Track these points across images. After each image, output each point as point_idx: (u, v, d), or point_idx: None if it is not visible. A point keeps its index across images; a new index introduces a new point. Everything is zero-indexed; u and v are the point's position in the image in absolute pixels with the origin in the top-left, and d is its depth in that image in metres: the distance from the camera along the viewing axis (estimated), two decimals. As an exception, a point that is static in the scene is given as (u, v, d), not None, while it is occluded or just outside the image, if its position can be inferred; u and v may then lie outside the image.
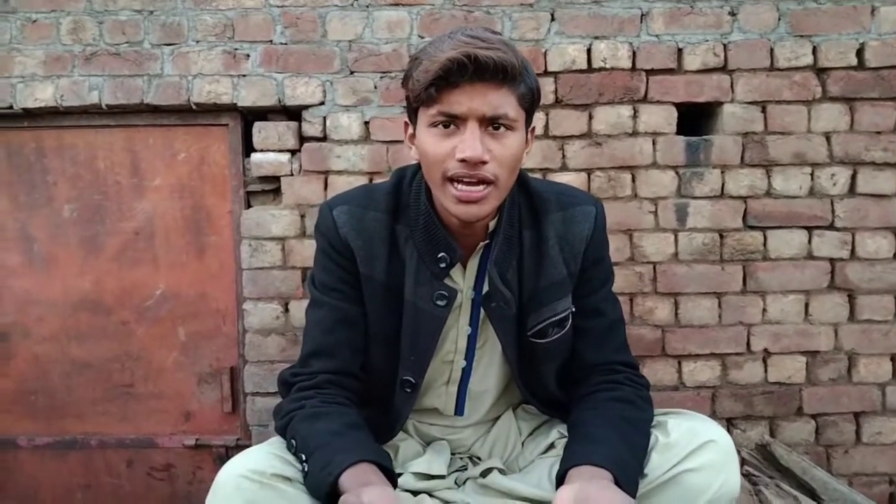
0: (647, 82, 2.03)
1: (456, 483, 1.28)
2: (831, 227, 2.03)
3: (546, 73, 2.01)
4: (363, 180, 2.04)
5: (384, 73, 2.04)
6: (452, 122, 1.07)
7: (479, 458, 1.35)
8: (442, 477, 1.25)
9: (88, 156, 2.12)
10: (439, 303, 1.21)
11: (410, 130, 1.20)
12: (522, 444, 1.36)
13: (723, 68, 2.02)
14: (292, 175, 2.06)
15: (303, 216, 2.06)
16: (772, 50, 2.01)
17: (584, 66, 2.02)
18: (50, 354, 2.15)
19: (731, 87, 2.02)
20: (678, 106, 2.04)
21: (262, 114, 2.09)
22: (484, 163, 1.06)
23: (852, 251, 2.04)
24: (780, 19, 2.01)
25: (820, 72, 2.02)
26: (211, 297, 2.14)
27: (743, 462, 1.80)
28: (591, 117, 2.03)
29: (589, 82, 2.02)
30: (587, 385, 1.25)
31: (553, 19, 2.03)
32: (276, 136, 2.06)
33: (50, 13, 2.03)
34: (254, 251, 2.06)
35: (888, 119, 2.01)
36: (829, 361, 2.05)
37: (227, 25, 2.03)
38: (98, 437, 2.15)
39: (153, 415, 2.16)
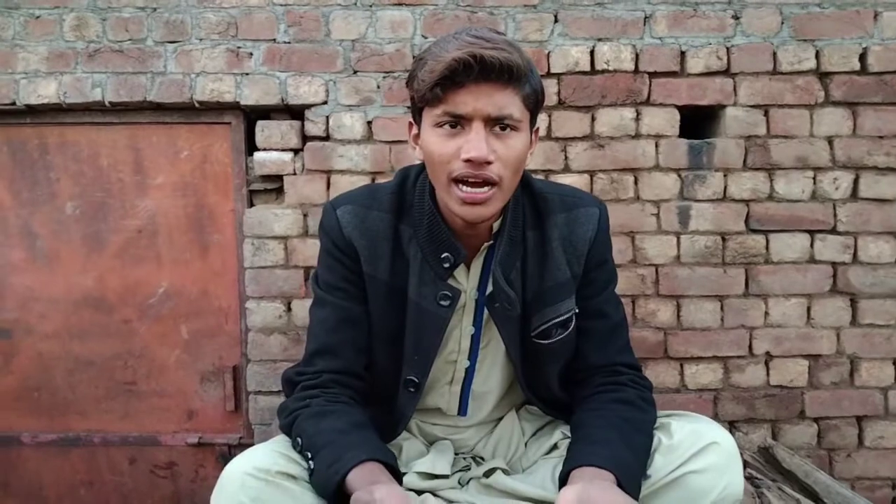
0: (650, 85, 2.03)
1: (459, 483, 1.28)
2: (833, 231, 2.04)
3: (549, 74, 2.02)
4: (366, 180, 2.04)
5: (387, 72, 2.04)
6: (458, 122, 1.07)
7: (482, 459, 1.36)
8: (445, 477, 1.25)
9: (91, 153, 2.12)
10: (443, 303, 1.21)
11: (415, 131, 1.20)
12: (525, 444, 1.36)
13: (726, 71, 2.02)
14: (295, 174, 2.06)
15: (305, 215, 2.06)
16: (775, 54, 2.01)
17: (587, 67, 2.02)
18: (53, 352, 2.15)
19: (734, 90, 2.02)
20: (681, 109, 2.04)
21: (265, 113, 2.09)
22: (489, 163, 1.06)
23: (854, 255, 2.04)
24: (783, 23, 2.01)
25: (823, 76, 2.02)
26: (213, 295, 2.14)
27: (745, 465, 1.79)
28: (593, 119, 2.03)
29: (592, 84, 2.03)
30: (590, 386, 1.25)
31: (556, 21, 2.03)
32: (279, 135, 2.06)
33: (53, 9, 2.04)
34: (256, 250, 2.06)
35: (891, 124, 2.01)
36: (831, 365, 2.05)
37: (230, 23, 2.03)
38: (101, 434, 2.15)
39: (156, 413, 2.16)
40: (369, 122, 2.04)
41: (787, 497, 1.67)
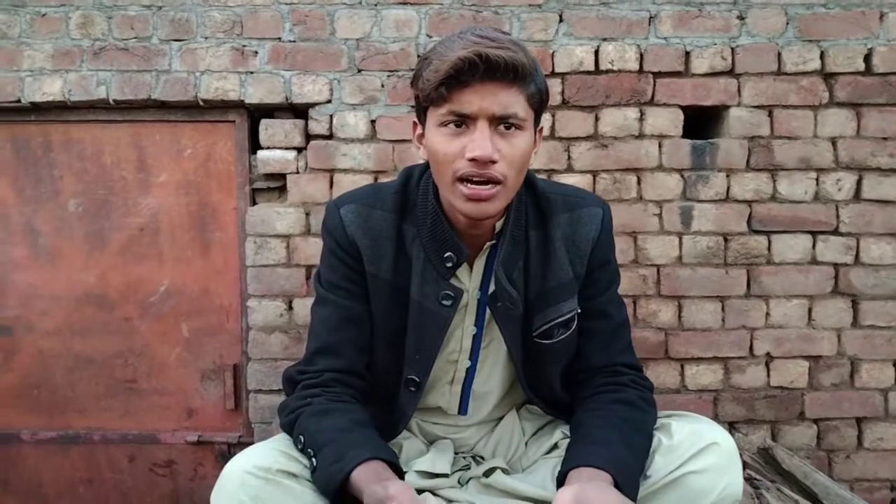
0: (654, 85, 2.03)
1: (459, 482, 1.28)
2: (836, 232, 2.03)
3: (553, 74, 2.02)
4: (369, 179, 2.04)
5: (391, 71, 2.04)
6: (462, 121, 1.07)
7: (482, 458, 1.36)
8: (445, 476, 1.25)
9: (95, 151, 2.12)
10: (445, 303, 1.21)
11: (419, 130, 1.20)
12: (526, 444, 1.36)
13: (730, 72, 2.02)
14: (298, 173, 2.07)
15: (308, 214, 2.06)
16: (779, 54, 2.01)
17: (592, 67, 2.02)
18: (53, 349, 2.15)
19: (738, 90, 2.02)
20: (685, 109, 2.04)
21: (269, 111, 2.09)
22: (494, 162, 1.06)
23: (856, 257, 2.04)
24: (788, 24, 2.01)
25: (827, 77, 2.02)
26: (215, 293, 2.14)
27: (745, 466, 1.80)
28: (597, 119, 2.03)
29: (596, 84, 2.03)
30: (591, 386, 1.25)
31: (561, 20, 2.03)
32: (283, 133, 2.06)
33: (59, 7, 2.04)
34: (258, 248, 2.06)
35: (895, 125, 2.01)
36: (831, 366, 2.05)
37: (235, 22, 2.03)
38: (101, 432, 2.16)
39: (156, 411, 2.17)
40: (373, 121, 2.05)
41: (786, 498, 1.67)
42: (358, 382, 1.24)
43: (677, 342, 2.05)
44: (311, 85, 2.04)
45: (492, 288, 1.23)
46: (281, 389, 1.99)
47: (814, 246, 2.04)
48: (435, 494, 1.21)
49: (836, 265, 2.04)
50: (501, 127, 1.07)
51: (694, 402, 2.04)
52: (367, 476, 1.01)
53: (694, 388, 2.06)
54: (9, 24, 2.04)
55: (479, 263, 1.25)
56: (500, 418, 1.40)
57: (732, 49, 2.02)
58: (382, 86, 2.04)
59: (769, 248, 2.04)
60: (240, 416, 2.16)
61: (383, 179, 2.02)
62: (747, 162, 2.03)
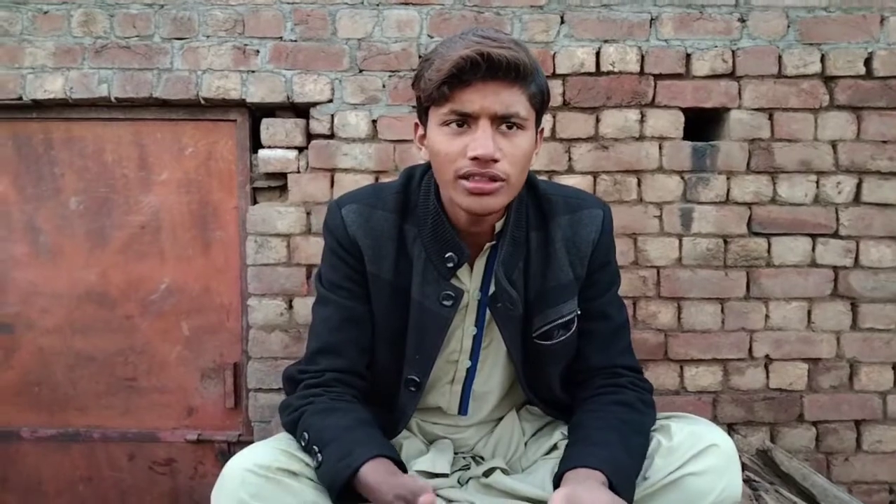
0: (655, 87, 2.03)
1: (459, 482, 1.29)
2: (835, 234, 2.04)
3: (554, 75, 2.02)
4: (370, 179, 2.05)
5: (393, 71, 2.04)
6: (464, 120, 1.07)
7: (481, 458, 1.36)
8: (445, 475, 1.25)
9: (96, 148, 2.12)
10: (445, 303, 1.21)
11: (420, 131, 1.20)
12: (525, 444, 1.37)
13: (731, 74, 2.03)
14: (299, 172, 2.07)
15: (309, 213, 2.06)
16: (780, 57, 2.02)
17: (593, 69, 2.03)
18: (54, 347, 2.15)
19: (739, 93, 2.03)
20: (685, 111, 2.04)
21: (271, 110, 2.09)
22: (495, 161, 1.06)
23: (856, 259, 2.04)
24: (789, 27, 2.02)
25: (828, 80, 2.02)
26: (215, 292, 2.15)
27: (743, 467, 1.80)
28: (598, 120, 2.04)
29: (597, 85, 2.03)
30: (590, 388, 1.26)
31: (563, 22, 2.03)
32: (284, 132, 2.07)
33: (61, 5, 2.04)
34: (259, 247, 2.06)
35: (895, 129, 2.02)
36: (830, 369, 2.06)
37: (237, 21, 2.04)
38: (100, 430, 2.16)
39: (156, 409, 2.17)
40: (374, 121, 2.05)
41: (785, 500, 1.68)
42: (359, 382, 1.25)
43: (677, 343, 2.05)
44: (312, 84, 2.04)
45: (492, 288, 1.24)
46: (281, 388, 2.00)
47: (813, 248, 2.04)
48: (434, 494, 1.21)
49: (835, 268, 2.05)
50: (503, 126, 1.08)
51: (693, 404, 2.05)
52: (379, 472, 1.01)
53: (693, 390, 2.06)
54: (10, 22, 2.04)
55: (480, 264, 1.25)
56: (500, 419, 1.40)
57: (733, 51, 2.02)
58: (384, 86, 2.04)
59: (769, 251, 2.04)
60: (240, 414, 2.16)
61: (384, 179, 2.02)
62: (747, 164, 2.03)
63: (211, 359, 2.16)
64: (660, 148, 2.04)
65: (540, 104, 1.13)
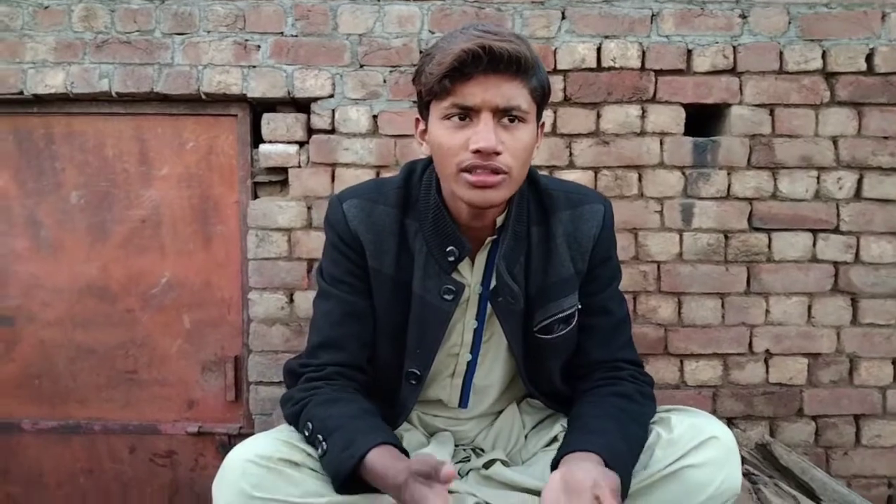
0: (656, 82, 2.03)
1: (459, 474, 1.29)
2: (836, 230, 2.04)
3: (555, 71, 2.02)
4: (370, 173, 2.05)
5: (394, 67, 2.04)
6: (466, 114, 1.07)
7: (482, 450, 1.37)
8: (445, 466, 1.26)
9: (97, 143, 2.12)
10: (447, 297, 1.21)
11: (422, 126, 1.20)
12: (525, 437, 1.37)
13: (732, 70, 2.02)
14: (300, 167, 2.07)
15: (309, 208, 2.06)
16: (781, 53, 2.02)
17: (594, 64, 2.03)
18: (55, 339, 2.16)
19: (740, 89, 2.03)
20: (686, 107, 2.04)
21: (272, 105, 2.09)
22: (497, 153, 1.06)
23: (856, 255, 2.04)
24: (790, 23, 2.02)
25: (829, 76, 2.02)
26: (216, 286, 2.15)
27: (743, 461, 1.80)
28: (599, 116, 2.04)
29: (598, 81, 2.03)
30: (590, 381, 1.26)
31: (564, 17, 2.03)
32: (285, 127, 2.07)
33: (61, 0, 2.04)
34: (260, 241, 2.07)
35: (895, 125, 2.02)
36: (830, 364, 2.06)
37: (238, 16, 2.04)
38: (101, 422, 2.16)
39: (156, 402, 2.17)
40: (375, 116, 2.05)
41: (784, 493, 1.68)
42: (360, 376, 1.25)
43: (677, 338, 2.06)
44: (313, 79, 2.04)
45: (493, 283, 1.24)
46: (281, 381, 2.00)
47: (814, 244, 2.04)
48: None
49: (835, 263, 2.05)
50: (505, 119, 1.08)
51: (693, 398, 2.05)
52: (385, 458, 1.01)
53: (693, 384, 2.07)
54: (11, 17, 2.04)
55: (481, 258, 1.25)
56: (501, 411, 1.40)
57: (734, 48, 2.02)
58: (384, 81, 2.05)
59: (769, 246, 2.04)
60: (240, 407, 2.16)
61: (385, 174, 2.03)
62: (748, 160, 2.03)
63: (212, 352, 2.17)
64: (661, 143, 2.04)
65: (541, 98, 1.13)
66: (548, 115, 2.00)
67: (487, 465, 1.27)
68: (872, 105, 2.02)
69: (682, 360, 2.06)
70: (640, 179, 2.04)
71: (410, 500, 0.94)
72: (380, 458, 1.01)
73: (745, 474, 1.75)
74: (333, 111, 2.05)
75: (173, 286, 2.15)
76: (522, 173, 1.14)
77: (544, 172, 1.96)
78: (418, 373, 1.26)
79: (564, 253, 1.24)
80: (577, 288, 1.27)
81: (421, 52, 2.02)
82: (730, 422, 2.06)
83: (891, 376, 2.06)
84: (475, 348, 1.30)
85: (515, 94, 1.07)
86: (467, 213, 1.17)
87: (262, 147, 2.08)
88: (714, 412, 2.04)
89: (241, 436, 2.10)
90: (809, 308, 2.05)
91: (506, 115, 1.07)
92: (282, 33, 2.04)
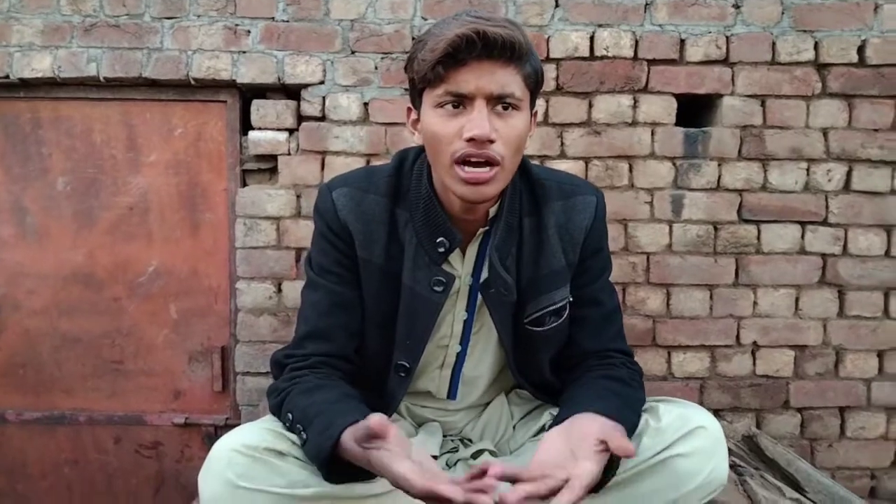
0: (649, 72, 2.03)
1: (447, 464, 1.29)
2: (825, 222, 2.05)
3: (548, 59, 2.01)
4: (361, 161, 2.04)
5: (385, 53, 2.02)
6: (459, 101, 1.06)
7: (470, 441, 1.36)
8: (434, 457, 1.25)
9: (84, 128, 2.10)
10: (436, 288, 1.20)
11: (414, 116, 1.18)
12: (514, 427, 1.37)
13: (724, 61, 2.02)
14: (289, 154, 2.05)
15: (299, 196, 2.05)
16: (774, 44, 2.02)
17: (587, 53, 2.02)
18: (40, 328, 2.14)
19: (732, 79, 2.03)
20: (678, 97, 2.04)
21: (261, 92, 2.07)
22: (491, 142, 1.05)
23: (844, 247, 2.05)
24: (783, 13, 2.01)
25: (820, 67, 2.02)
26: (204, 274, 2.13)
27: (729, 453, 1.80)
28: (591, 105, 2.03)
29: (590, 70, 2.02)
30: (582, 368, 1.26)
31: (557, 5, 2.02)
32: (275, 114, 2.05)
33: (48, -18, 2.01)
34: (248, 230, 2.05)
35: (886, 117, 2.02)
36: (816, 356, 2.07)
37: (228, 0, 2.01)
38: (87, 412, 2.15)
39: (142, 392, 2.16)
40: (366, 104, 2.03)
41: (769, 485, 1.69)
42: (346, 366, 1.24)
43: (665, 329, 2.06)
44: (303, 66, 2.02)
45: (484, 274, 1.23)
46: (269, 372, 1.99)
47: (802, 236, 2.05)
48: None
49: (823, 255, 2.06)
50: (499, 107, 1.06)
51: (680, 390, 2.06)
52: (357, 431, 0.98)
53: (680, 376, 2.07)
54: (-3, -2, 2.01)
55: (472, 249, 1.24)
56: (489, 402, 1.40)
57: (727, 38, 2.02)
58: (376, 68, 2.03)
59: (758, 238, 2.05)
60: (227, 398, 2.15)
61: (375, 162, 2.02)
62: (739, 151, 2.04)
63: (199, 342, 2.15)
64: (652, 134, 2.03)
65: (534, 85, 1.12)
66: (540, 103, 1.99)
67: (476, 456, 1.27)
68: (863, 97, 2.02)
69: (670, 352, 2.07)
70: (630, 170, 2.04)
71: (380, 471, 0.92)
72: (353, 433, 0.98)
73: (732, 466, 1.76)
74: (324, 98, 2.03)
75: (160, 274, 2.13)
76: (515, 162, 1.13)
77: (536, 162, 1.95)
78: (407, 365, 1.25)
79: (556, 245, 1.24)
80: (569, 280, 1.26)
81: (413, 38, 2.00)
82: (717, 413, 2.07)
83: (876, 369, 2.07)
84: (464, 340, 1.29)
85: (509, 80, 1.05)
86: (459, 205, 1.16)
87: (252, 134, 2.06)
88: (701, 404, 2.05)
89: (228, 427, 2.09)
90: (797, 300, 2.06)
91: (500, 102, 1.06)
92: (273, 18, 2.02)
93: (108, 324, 2.14)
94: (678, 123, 2.05)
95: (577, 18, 2.02)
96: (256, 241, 2.05)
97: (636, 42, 2.02)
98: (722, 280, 2.06)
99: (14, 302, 2.13)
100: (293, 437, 1.10)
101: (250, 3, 2.01)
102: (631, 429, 1.10)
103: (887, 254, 2.05)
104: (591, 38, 2.01)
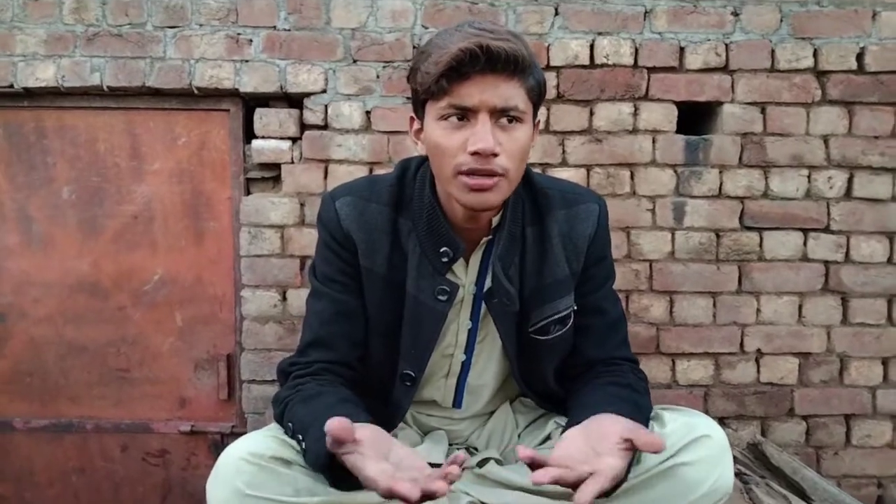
0: (649, 80, 2.03)
1: (453, 473, 1.29)
2: (827, 229, 2.05)
3: (548, 67, 2.02)
4: (363, 170, 2.04)
5: (387, 62, 2.03)
6: (463, 114, 1.06)
7: (475, 449, 1.36)
8: (440, 465, 1.25)
9: (88, 137, 2.11)
10: (441, 297, 1.21)
11: (416, 125, 1.19)
12: (519, 436, 1.37)
13: (724, 68, 2.03)
14: (293, 163, 2.06)
15: (302, 204, 2.06)
16: (773, 51, 2.02)
17: (587, 61, 2.03)
18: (46, 336, 2.14)
19: (732, 87, 2.03)
20: (678, 104, 2.05)
21: (264, 100, 2.08)
22: (495, 155, 1.06)
23: (847, 254, 2.05)
24: (782, 21, 2.02)
25: (820, 74, 2.03)
26: (208, 283, 2.14)
27: (734, 461, 1.80)
28: (591, 113, 2.04)
29: (591, 78, 2.03)
30: (588, 375, 1.26)
31: (557, 13, 2.03)
32: (278, 122, 2.06)
33: (52, -7, 2.03)
34: (252, 238, 2.06)
35: (886, 124, 2.03)
36: (821, 363, 2.07)
37: (230, 10, 2.02)
38: (93, 421, 2.15)
39: (148, 400, 2.16)
40: (368, 112, 2.04)
41: (775, 493, 1.69)
42: (349, 373, 1.24)
43: (669, 337, 2.06)
44: (306, 74, 2.03)
45: (488, 284, 1.23)
46: (274, 380, 2.00)
47: (805, 243, 2.05)
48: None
49: (826, 263, 2.06)
50: (503, 120, 1.07)
51: (684, 398, 2.06)
52: None
53: (685, 384, 2.07)
54: (0, 8, 2.02)
55: (475, 258, 1.25)
56: (494, 411, 1.40)
57: (726, 45, 2.02)
58: (378, 76, 2.04)
59: (761, 245, 2.05)
60: (233, 406, 2.16)
61: (378, 170, 2.02)
62: (740, 158, 2.04)
63: (204, 350, 2.16)
64: (653, 141, 2.04)
65: (537, 97, 1.12)
66: (541, 112, 1.99)
67: (481, 464, 1.27)
68: (863, 104, 2.03)
69: (674, 360, 2.07)
70: (632, 177, 2.05)
71: (356, 474, 0.92)
72: None
73: (737, 474, 1.75)
74: (326, 107, 2.04)
75: (165, 283, 2.14)
76: (519, 174, 1.13)
77: (537, 170, 1.96)
78: (413, 374, 1.26)
79: (560, 253, 1.24)
80: (573, 289, 1.26)
81: (414, 47, 2.01)
82: (721, 421, 2.07)
83: (881, 376, 2.07)
84: (469, 349, 1.29)
85: (513, 94, 1.06)
86: (463, 214, 1.16)
87: (255, 143, 2.07)
88: (706, 412, 2.03)
89: (234, 435, 2.09)
90: (800, 307, 2.06)
91: (503, 115, 1.06)
92: (274, 27, 2.03)
93: (113, 332, 2.15)
94: (679, 131, 2.05)
95: (577, 26, 2.03)
96: (261, 250, 2.06)
97: (636, 50, 2.02)
98: (725, 287, 2.06)
99: (20, 310, 2.14)
100: (297, 444, 1.11)
101: (252, 13, 2.03)
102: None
103: (890, 261, 2.05)
104: (591, 46, 2.02)
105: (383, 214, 1.23)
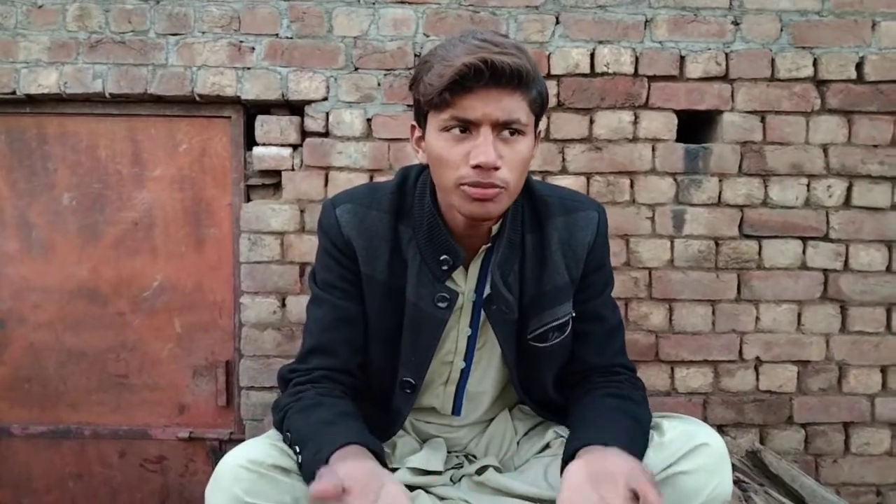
0: (649, 88, 2.04)
1: (451, 480, 1.29)
2: (826, 238, 2.06)
3: (549, 75, 2.03)
4: (364, 177, 2.05)
5: (388, 70, 2.04)
6: (465, 127, 1.07)
7: (474, 457, 1.36)
8: (438, 473, 1.26)
9: (90, 144, 2.11)
10: (441, 304, 1.21)
11: (418, 133, 1.19)
12: (518, 443, 1.37)
13: (724, 77, 2.04)
14: (293, 170, 2.07)
15: (303, 211, 2.06)
16: (773, 60, 2.03)
17: (587, 70, 2.04)
18: (45, 342, 2.14)
19: (732, 96, 2.04)
20: (678, 113, 2.05)
21: (266, 107, 2.09)
22: (497, 168, 1.06)
23: (846, 263, 2.06)
24: (782, 30, 2.03)
25: (819, 84, 2.04)
26: (208, 289, 2.14)
27: (733, 468, 1.80)
28: (592, 122, 2.05)
29: (591, 86, 2.04)
30: (586, 386, 1.26)
31: (558, 22, 2.04)
32: (279, 130, 2.07)
33: None
34: (252, 245, 2.06)
35: (885, 133, 2.04)
36: (819, 371, 2.07)
37: (233, 17, 2.03)
38: (91, 427, 2.15)
39: (147, 406, 2.16)
40: (369, 120, 2.05)
41: (774, 501, 1.69)
42: (349, 380, 1.24)
43: (668, 345, 2.07)
44: (307, 82, 2.04)
45: (487, 291, 1.24)
46: (273, 387, 2.01)
47: (804, 252, 2.06)
48: (427, 492, 1.22)
49: (825, 271, 2.06)
50: (505, 133, 1.07)
51: (683, 405, 2.06)
52: (346, 458, 0.98)
53: (684, 391, 2.07)
54: (4, 15, 2.03)
55: (475, 266, 1.25)
56: (493, 418, 1.40)
57: (727, 54, 2.03)
58: (379, 84, 2.05)
59: (760, 253, 2.06)
60: (231, 412, 2.16)
61: (379, 178, 2.03)
62: (739, 167, 2.05)
63: (203, 356, 2.16)
64: (653, 149, 2.05)
65: (540, 109, 1.13)
66: (542, 121, 2.00)
67: (480, 472, 1.27)
68: (862, 113, 2.04)
69: (673, 367, 2.07)
70: (632, 186, 2.05)
71: None
72: (339, 462, 0.97)
73: (736, 482, 1.75)
74: (327, 114, 2.05)
75: (165, 289, 2.14)
76: (520, 185, 1.14)
77: (537, 178, 1.97)
78: (413, 381, 1.26)
79: (559, 261, 1.24)
80: (572, 296, 1.26)
81: (416, 55, 2.02)
82: (720, 429, 2.07)
83: (879, 384, 2.07)
84: (469, 356, 1.29)
85: (515, 107, 1.06)
86: (463, 222, 1.17)
87: (256, 150, 2.07)
88: (705, 419, 2.04)
89: (232, 441, 2.09)
90: (799, 315, 2.07)
91: (505, 128, 1.06)
92: (276, 35, 2.04)
93: (112, 338, 2.15)
94: (679, 139, 2.06)
95: (578, 35, 2.04)
96: (261, 256, 2.06)
97: (636, 58, 2.03)
98: (724, 295, 2.06)
99: (19, 316, 2.14)
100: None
101: (254, 20, 2.04)
102: (644, 447, 1.11)
103: (888, 269, 2.06)
104: (592, 55, 2.03)
105: (384, 222, 1.23)
